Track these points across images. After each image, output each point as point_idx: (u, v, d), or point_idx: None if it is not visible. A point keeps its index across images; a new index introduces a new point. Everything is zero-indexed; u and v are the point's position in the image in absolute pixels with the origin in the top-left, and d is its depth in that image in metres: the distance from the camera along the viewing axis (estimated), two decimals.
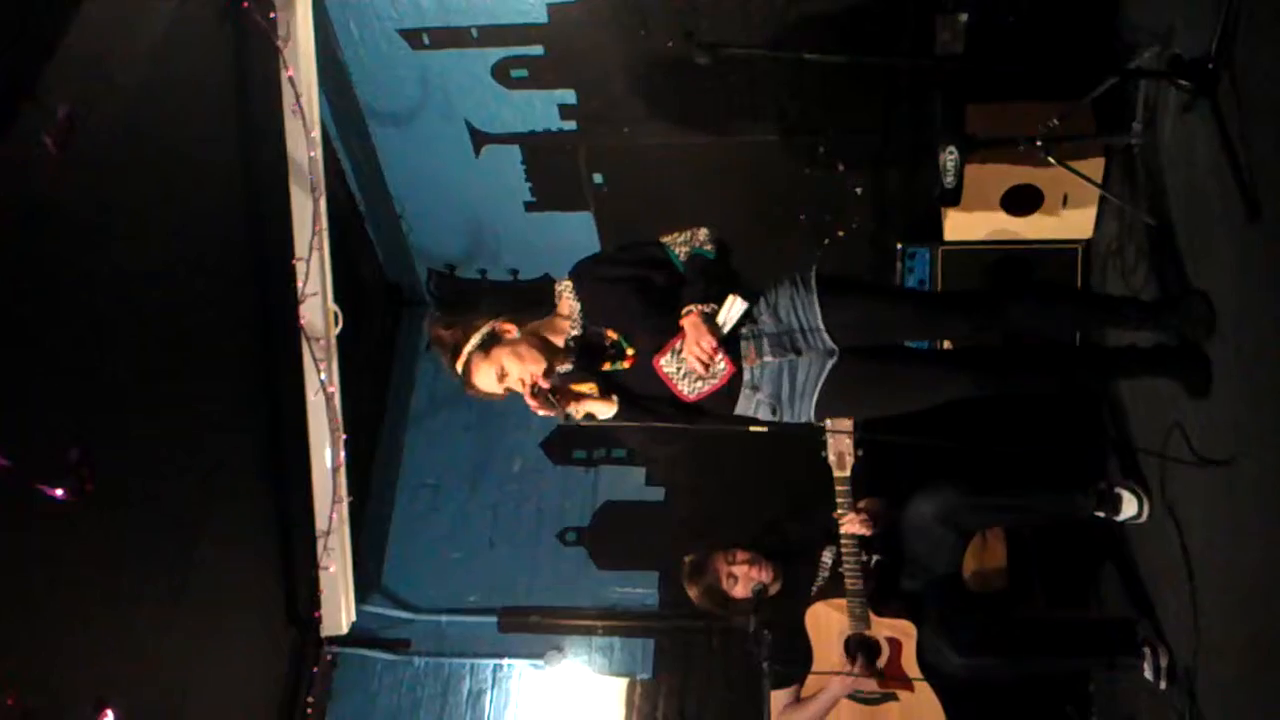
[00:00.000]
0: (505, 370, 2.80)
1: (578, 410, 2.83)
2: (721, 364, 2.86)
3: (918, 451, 3.48)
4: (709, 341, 2.80)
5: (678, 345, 2.87)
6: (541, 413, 2.83)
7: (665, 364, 2.89)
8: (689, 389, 2.90)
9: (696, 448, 4.34)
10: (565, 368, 2.92)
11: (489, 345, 2.81)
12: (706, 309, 2.84)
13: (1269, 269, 2.45)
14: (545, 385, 2.80)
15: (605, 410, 2.86)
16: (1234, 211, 2.55)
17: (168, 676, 3.32)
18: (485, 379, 2.83)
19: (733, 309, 2.86)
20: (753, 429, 2.95)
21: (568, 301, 2.95)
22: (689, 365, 2.85)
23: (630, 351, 2.91)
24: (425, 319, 3.12)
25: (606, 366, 2.92)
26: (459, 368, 2.83)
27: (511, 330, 2.84)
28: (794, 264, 3.00)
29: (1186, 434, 2.93)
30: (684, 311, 2.85)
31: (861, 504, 3.36)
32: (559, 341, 2.92)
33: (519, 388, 2.82)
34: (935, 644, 3.27)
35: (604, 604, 4.45)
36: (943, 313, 3.09)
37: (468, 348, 2.81)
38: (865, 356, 2.92)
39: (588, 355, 2.92)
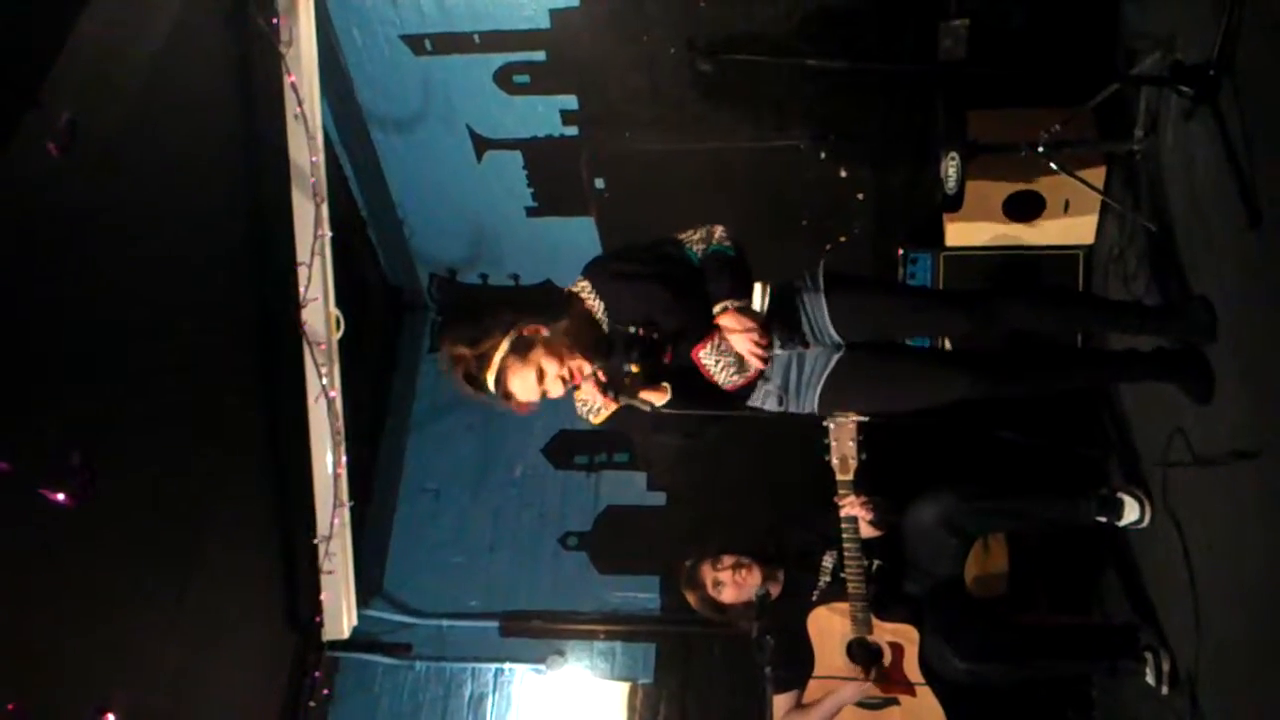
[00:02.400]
0: (544, 370, 2.72)
1: (639, 399, 2.74)
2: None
3: (921, 457, 3.50)
4: (761, 335, 2.82)
5: (717, 339, 2.87)
6: (607, 407, 2.76)
7: (705, 357, 2.89)
8: (726, 380, 2.92)
9: (697, 448, 4.38)
10: (599, 363, 2.83)
11: (523, 349, 2.71)
12: (741, 304, 2.84)
13: (1270, 275, 2.45)
14: (603, 376, 2.72)
15: (659, 399, 2.77)
16: (1235, 217, 2.55)
17: (169, 681, 3.32)
18: (523, 384, 2.73)
19: (764, 297, 2.87)
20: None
21: (587, 302, 2.88)
22: (731, 354, 2.87)
23: (669, 345, 2.87)
24: (440, 344, 3.00)
25: (635, 368, 2.81)
26: (490, 378, 2.72)
27: (542, 330, 2.75)
28: (796, 269, 3.01)
29: (1188, 438, 2.93)
30: (719, 309, 2.84)
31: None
32: (583, 336, 2.84)
33: (558, 387, 2.74)
34: (938, 649, 3.27)
35: (605, 608, 4.46)
36: (944, 308, 3.11)
37: (498, 355, 2.71)
38: (870, 351, 2.96)
39: (622, 351, 2.84)
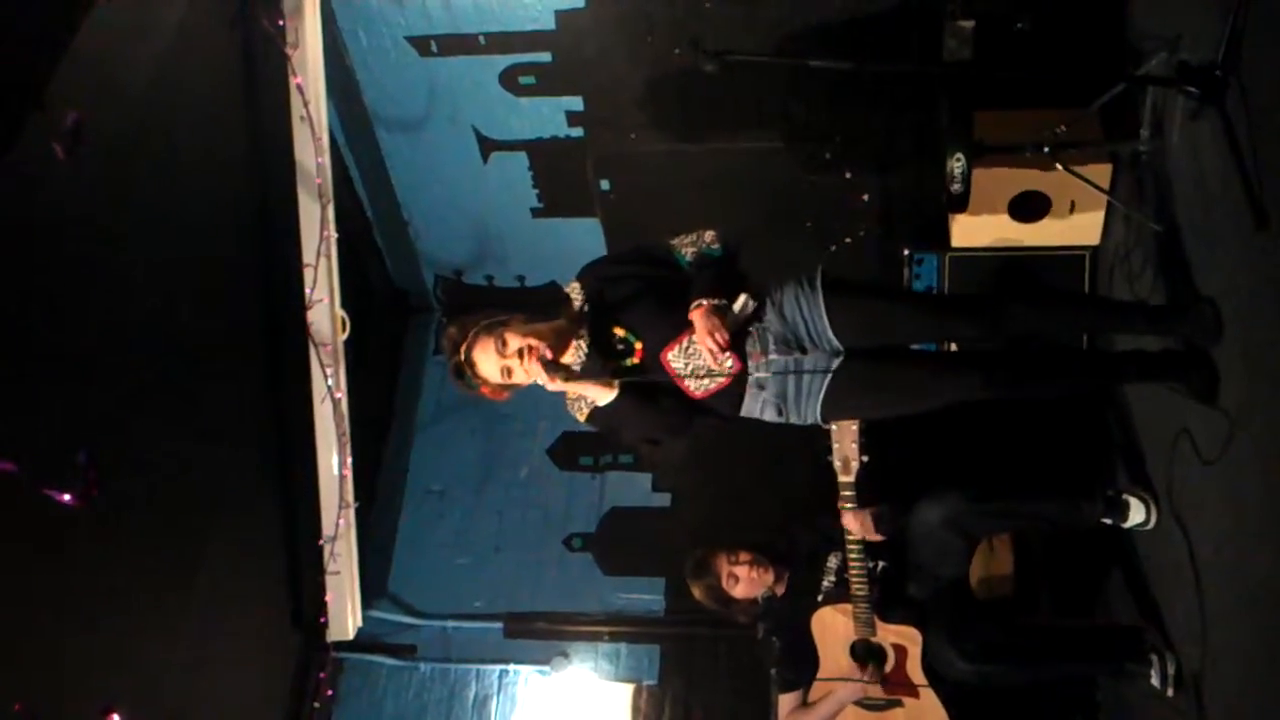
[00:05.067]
0: (506, 340, 2.80)
1: (577, 391, 2.86)
2: (729, 361, 2.84)
3: (925, 458, 3.49)
4: (721, 334, 2.79)
5: (685, 341, 2.87)
6: (547, 383, 2.80)
7: (673, 359, 2.89)
8: (696, 386, 2.90)
9: (701, 449, 4.39)
10: (572, 359, 2.91)
11: (494, 326, 2.83)
12: (715, 302, 2.84)
13: (1276, 275, 2.44)
14: (550, 355, 2.80)
15: (604, 395, 2.84)
16: (1241, 218, 2.55)
17: (174, 682, 3.33)
18: (484, 354, 2.82)
19: (745, 306, 2.87)
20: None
21: (577, 303, 2.97)
22: (700, 357, 2.85)
23: (638, 346, 2.90)
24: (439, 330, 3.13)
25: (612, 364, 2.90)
26: (462, 349, 2.83)
27: (519, 317, 2.86)
28: (800, 270, 3.00)
29: (1193, 439, 2.92)
30: (692, 305, 2.84)
31: (869, 510, 3.35)
32: (567, 332, 2.93)
33: (517, 364, 2.80)
34: (941, 651, 3.26)
35: (610, 610, 4.45)
36: (947, 314, 3.10)
37: (474, 329, 2.83)
38: (871, 357, 2.92)
39: (597, 353, 2.92)
